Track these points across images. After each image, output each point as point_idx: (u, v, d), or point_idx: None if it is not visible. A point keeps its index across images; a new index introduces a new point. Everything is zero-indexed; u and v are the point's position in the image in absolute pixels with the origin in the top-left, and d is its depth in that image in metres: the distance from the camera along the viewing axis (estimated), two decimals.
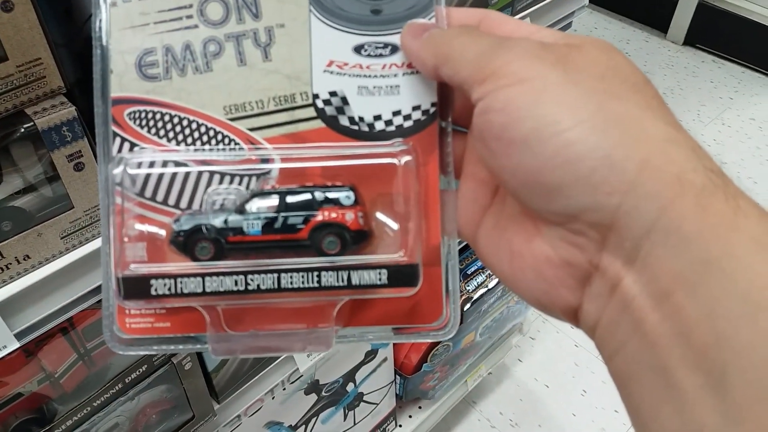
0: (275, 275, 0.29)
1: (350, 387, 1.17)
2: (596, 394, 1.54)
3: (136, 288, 0.30)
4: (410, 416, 1.37)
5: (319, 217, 0.30)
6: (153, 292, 0.29)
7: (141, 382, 0.74)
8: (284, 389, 1.01)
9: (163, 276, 0.29)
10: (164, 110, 0.31)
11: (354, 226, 0.30)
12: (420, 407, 1.38)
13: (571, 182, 0.24)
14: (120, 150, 0.31)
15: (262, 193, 0.30)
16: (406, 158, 0.31)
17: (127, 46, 0.32)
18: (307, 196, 0.30)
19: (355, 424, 1.25)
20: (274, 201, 0.30)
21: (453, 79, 0.29)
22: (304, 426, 1.13)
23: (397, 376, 1.26)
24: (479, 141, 0.28)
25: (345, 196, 0.31)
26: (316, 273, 0.30)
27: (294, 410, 1.08)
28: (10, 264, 0.54)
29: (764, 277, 0.21)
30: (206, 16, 0.32)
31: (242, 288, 0.29)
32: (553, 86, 0.25)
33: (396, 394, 1.30)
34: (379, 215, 0.31)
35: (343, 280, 0.30)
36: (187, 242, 0.30)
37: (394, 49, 0.32)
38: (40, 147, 0.52)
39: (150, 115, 0.31)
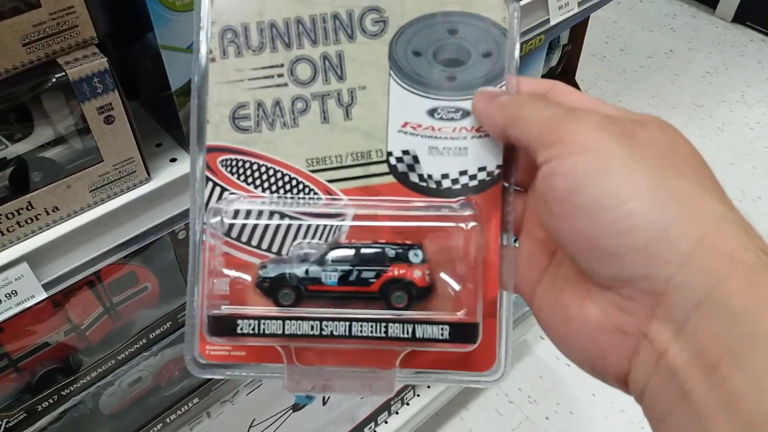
0: (347, 323, 0.32)
1: None
2: None
3: (223, 326, 0.33)
4: (428, 386, 1.37)
5: (390, 273, 0.33)
6: (238, 331, 0.32)
7: (165, 338, 0.75)
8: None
9: (248, 317, 0.33)
10: (253, 159, 0.35)
11: (421, 283, 0.33)
12: None
13: (628, 251, 0.26)
14: (212, 193, 0.35)
15: (339, 247, 0.33)
16: (472, 224, 0.33)
17: (223, 99, 0.35)
18: (379, 253, 0.33)
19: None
20: (349, 255, 0.33)
21: (520, 140, 0.31)
22: None
23: None
24: (541, 202, 0.29)
25: (413, 254, 0.33)
26: (383, 324, 0.33)
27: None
28: (39, 215, 0.54)
29: None
30: (296, 75, 0.35)
31: (317, 333, 0.32)
32: (617, 158, 0.27)
33: None
34: (444, 276, 0.34)
35: (408, 333, 0.33)
36: (271, 288, 0.33)
37: (465, 113, 0.34)
38: (71, 98, 0.51)
39: (240, 164, 0.35)
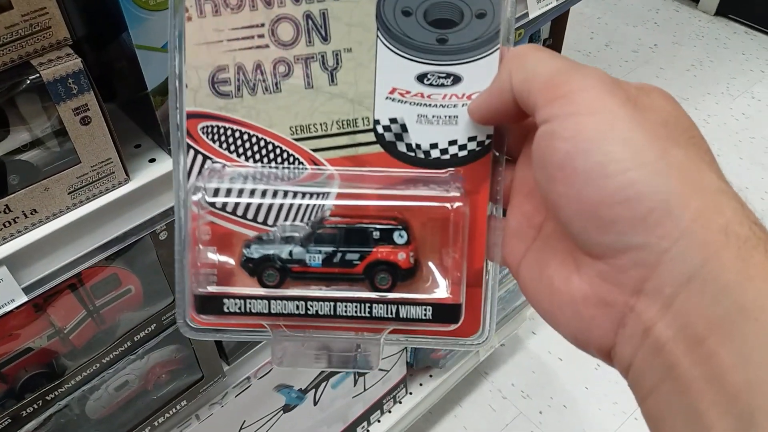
0: (332, 304, 0.33)
1: None
2: (609, 368, 1.52)
3: (209, 305, 0.33)
4: (421, 384, 1.37)
5: (374, 255, 0.33)
6: (225, 310, 0.33)
7: (150, 341, 0.74)
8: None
9: (234, 297, 0.33)
10: (235, 127, 0.33)
11: (405, 265, 0.33)
12: (431, 375, 1.38)
13: (627, 220, 0.25)
14: (194, 161, 0.34)
15: (323, 228, 0.33)
16: (458, 204, 0.33)
17: (202, 62, 0.33)
18: (363, 234, 0.33)
19: (365, 390, 1.25)
20: (333, 236, 0.33)
21: (522, 90, 0.29)
22: (314, 390, 1.13)
23: None
24: (539, 165, 0.28)
25: (398, 235, 0.33)
26: (368, 305, 0.33)
27: (304, 374, 1.09)
28: (17, 218, 0.54)
29: None
30: (277, 36, 0.33)
31: (302, 312, 0.33)
32: (622, 124, 0.26)
33: (407, 362, 1.30)
34: (428, 257, 0.34)
35: (391, 313, 0.33)
36: (255, 269, 0.33)
37: (456, 79, 0.33)
38: (47, 100, 0.51)
39: (222, 131, 0.33)
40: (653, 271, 0.25)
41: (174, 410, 0.84)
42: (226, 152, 0.34)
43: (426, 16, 0.33)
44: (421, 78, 0.33)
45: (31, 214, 0.54)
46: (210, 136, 0.34)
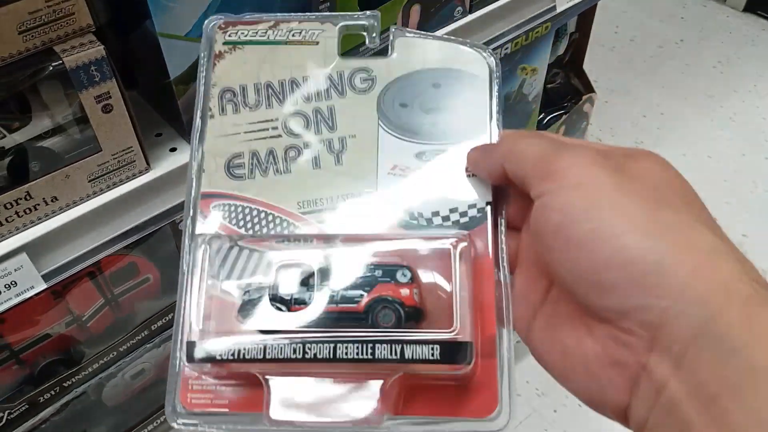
0: (331, 345, 0.31)
1: None
2: None
3: (202, 352, 0.31)
4: None
5: (377, 292, 0.32)
6: (218, 357, 0.31)
7: (167, 330, 0.74)
8: None
9: (228, 341, 0.31)
10: (245, 204, 0.35)
11: (409, 302, 0.32)
12: None
13: (624, 283, 0.26)
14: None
15: (324, 268, 0.33)
16: (463, 245, 0.33)
17: (219, 150, 0.36)
18: (366, 273, 0.33)
19: None
20: (335, 276, 0.32)
21: (516, 174, 0.31)
22: None
23: None
24: (537, 235, 0.30)
25: (401, 273, 0.33)
26: (370, 345, 0.31)
27: None
28: (38, 205, 0.54)
29: None
30: (289, 128, 0.37)
31: (300, 356, 0.31)
32: (609, 192, 0.27)
33: None
34: (433, 296, 0.33)
35: (395, 354, 0.31)
36: (254, 310, 0.32)
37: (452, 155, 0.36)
38: (69, 87, 0.51)
39: (232, 208, 0.35)
40: (659, 330, 0.25)
41: None
42: (234, 227, 0.35)
43: (421, 106, 0.37)
44: (419, 155, 0.36)
45: (52, 201, 0.54)
46: (220, 213, 0.35)
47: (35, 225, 0.54)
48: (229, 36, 0.38)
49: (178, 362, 0.32)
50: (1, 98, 0.50)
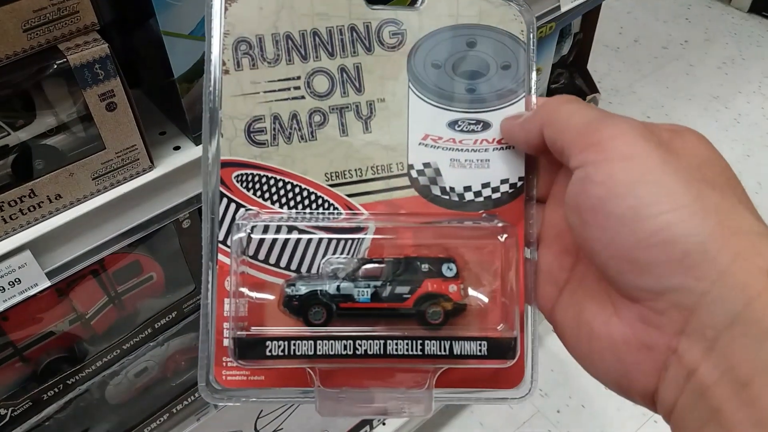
0: (382, 342, 0.31)
1: None
2: None
3: (251, 349, 0.31)
4: None
5: (424, 288, 0.32)
6: (268, 353, 0.31)
7: (171, 328, 0.75)
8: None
9: (278, 338, 0.31)
10: (270, 174, 0.33)
11: (456, 298, 0.32)
12: None
13: (664, 262, 0.25)
14: (227, 209, 0.33)
15: (371, 262, 0.32)
16: (506, 235, 0.33)
17: (238, 112, 0.33)
18: (411, 267, 0.32)
19: None
20: (381, 270, 0.32)
21: (555, 142, 0.30)
22: None
23: None
24: (573, 209, 0.28)
25: (447, 267, 0.32)
26: (420, 341, 0.31)
27: None
28: (42, 203, 0.54)
29: None
30: (313, 88, 0.34)
31: (350, 352, 0.31)
32: (655, 168, 0.26)
33: None
34: (479, 290, 0.33)
35: (445, 350, 0.31)
36: (301, 307, 0.32)
37: (486, 125, 0.34)
38: (73, 85, 0.51)
39: (257, 179, 0.33)
40: (694, 313, 0.25)
41: (192, 398, 0.84)
42: (260, 200, 0.33)
43: (454, 68, 0.34)
44: (452, 125, 0.34)
45: (56, 199, 0.54)
46: (244, 184, 0.33)
47: (39, 222, 0.54)
48: None
49: (211, 337, 0.32)
50: (6, 96, 0.50)
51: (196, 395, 0.85)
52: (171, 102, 0.59)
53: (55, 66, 0.49)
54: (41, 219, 0.55)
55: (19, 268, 0.54)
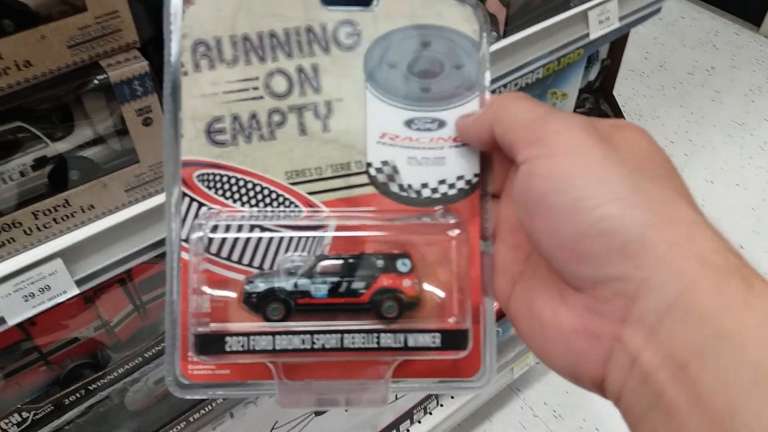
0: (339, 336, 0.32)
1: None
2: None
3: (210, 344, 0.32)
4: (452, 397, 1.36)
5: (379, 283, 0.33)
6: (227, 349, 0.32)
7: None
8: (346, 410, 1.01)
9: (237, 334, 0.32)
10: (231, 174, 0.34)
11: (410, 292, 0.33)
12: None
13: (604, 252, 0.26)
14: (189, 209, 0.34)
15: (327, 259, 0.33)
16: (457, 231, 0.34)
17: (198, 113, 0.34)
18: (367, 263, 0.33)
19: (396, 398, 1.25)
20: (338, 266, 0.33)
21: (504, 139, 0.31)
22: None
23: None
24: (519, 202, 0.30)
25: (401, 263, 0.34)
26: (375, 335, 0.32)
27: None
28: (75, 212, 0.55)
29: None
30: (271, 88, 0.34)
31: (309, 347, 0.32)
32: (595, 162, 0.27)
33: None
34: (432, 284, 0.34)
35: (400, 342, 0.33)
36: (260, 303, 0.32)
37: (441, 123, 0.35)
38: (112, 100, 0.52)
39: (218, 178, 0.34)
40: (635, 300, 0.26)
41: (209, 407, 0.85)
42: (222, 198, 0.34)
43: (410, 68, 0.35)
44: (408, 123, 0.35)
45: (89, 209, 0.56)
46: (206, 183, 0.34)
47: (71, 231, 0.56)
48: None
49: (176, 333, 0.32)
50: (48, 109, 0.51)
51: (213, 405, 0.86)
52: None
53: (96, 81, 0.51)
54: (73, 228, 0.56)
55: (50, 275, 0.56)
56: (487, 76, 0.35)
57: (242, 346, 0.32)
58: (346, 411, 1.15)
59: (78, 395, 0.69)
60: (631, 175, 0.27)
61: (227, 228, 0.33)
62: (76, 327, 0.66)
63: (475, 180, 0.35)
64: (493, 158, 0.35)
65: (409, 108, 0.35)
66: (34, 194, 0.53)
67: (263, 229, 0.34)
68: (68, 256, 0.56)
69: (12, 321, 0.54)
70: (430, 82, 0.35)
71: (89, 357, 0.69)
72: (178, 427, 0.84)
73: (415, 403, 1.29)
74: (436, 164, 0.35)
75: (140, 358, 0.72)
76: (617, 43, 1.07)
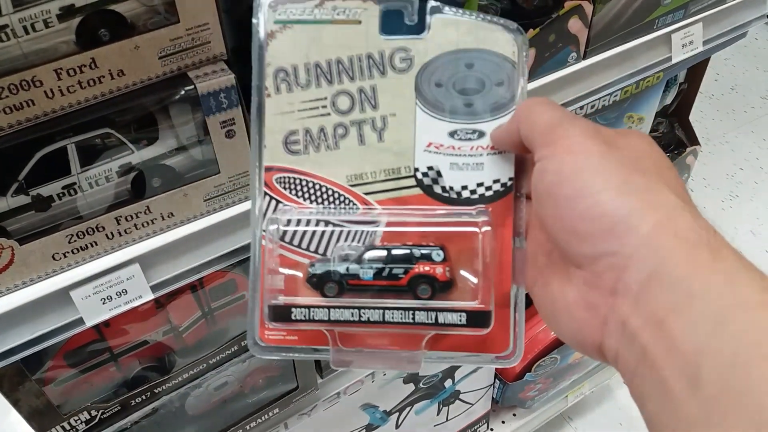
0: (381, 311, 0.39)
1: (448, 383, 1.16)
2: None
3: (280, 314, 0.39)
4: (503, 422, 1.34)
5: (416, 269, 0.39)
6: (293, 318, 0.39)
7: None
8: (384, 374, 1.01)
9: (300, 306, 0.39)
10: (302, 177, 0.41)
11: (442, 278, 0.39)
12: (515, 414, 1.35)
13: (598, 232, 0.32)
14: (269, 205, 0.41)
15: (374, 248, 0.40)
16: (486, 228, 0.39)
17: (277, 128, 0.41)
18: (407, 253, 0.39)
19: (447, 420, 1.23)
20: (382, 255, 0.39)
21: (527, 138, 0.36)
22: (398, 413, 1.12)
23: (497, 381, 1.23)
24: (535, 194, 0.35)
25: (436, 253, 0.39)
26: (411, 312, 0.39)
27: (391, 396, 1.08)
28: (155, 219, 0.56)
29: (731, 300, 0.28)
30: (337, 106, 0.41)
31: (357, 319, 0.39)
32: (595, 160, 0.33)
33: (492, 397, 1.27)
34: (462, 272, 0.40)
35: (431, 319, 0.39)
36: (319, 282, 0.39)
37: (481, 134, 0.40)
38: (197, 111, 0.53)
39: (292, 181, 0.41)
40: (623, 272, 0.31)
41: (266, 416, 0.86)
42: (294, 197, 0.41)
43: (455, 86, 0.40)
44: (452, 134, 0.40)
45: (168, 217, 0.57)
46: (282, 185, 0.41)
47: (150, 238, 0.57)
48: (279, 15, 0.40)
49: (256, 305, 0.39)
50: (135, 118, 0.53)
51: (270, 414, 0.86)
52: None
53: (183, 92, 0.52)
54: (152, 235, 0.57)
55: (127, 279, 0.57)
56: (525, 91, 0.40)
57: (304, 316, 0.39)
58: (397, 428, 1.14)
59: (144, 397, 0.70)
60: (624, 169, 0.32)
61: (298, 221, 0.40)
62: (147, 331, 0.67)
63: (509, 183, 0.40)
64: (527, 163, 0.39)
65: (453, 121, 0.40)
66: (118, 200, 0.54)
67: (327, 222, 0.40)
68: (146, 261, 0.57)
69: (90, 322, 0.56)
70: (473, 98, 0.40)
71: (156, 360, 0.70)
72: None
73: (465, 425, 1.27)
74: (475, 169, 0.40)
75: (204, 365, 0.73)
76: (696, 67, 1.04)
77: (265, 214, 0.41)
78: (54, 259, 0.53)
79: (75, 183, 0.52)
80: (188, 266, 0.59)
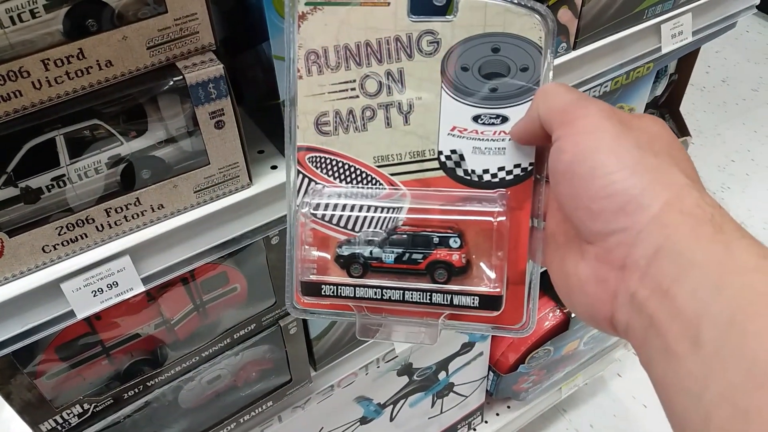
0: (401, 292, 0.42)
1: (442, 375, 1.16)
2: None
3: (311, 289, 0.43)
4: (497, 414, 1.34)
5: (434, 255, 0.42)
6: (322, 293, 0.43)
7: (247, 340, 0.76)
8: (378, 367, 1.01)
9: (329, 284, 0.43)
10: (332, 157, 0.43)
11: (458, 264, 0.42)
12: (509, 407, 1.35)
13: (610, 210, 0.33)
14: (302, 183, 0.43)
15: (396, 234, 0.42)
16: (501, 219, 0.41)
17: (309, 109, 0.42)
18: (426, 239, 0.42)
19: (441, 412, 1.23)
20: (403, 240, 0.42)
21: (545, 120, 0.37)
22: (392, 406, 1.13)
23: (491, 373, 1.23)
24: (552, 173, 0.36)
25: (453, 240, 0.41)
26: (428, 294, 0.42)
27: (385, 389, 1.09)
28: (145, 211, 0.56)
29: (729, 266, 0.29)
30: (365, 89, 0.42)
31: (379, 297, 0.42)
32: (609, 140, 0.34)
33: (487, 389, 1.28)
34: (477, 258, 0.42)
35: (447, 301, 0.42)
36: (345, 263, 0.43)
37: (504, 119, 0.41)
38: (186, 101, 0.53)
39: (323, 160, 0.43)
40: (632, 248, 0.32)
41: (260, 409, 0.85)
42: (325, 176, 0.43)
43: (480, 70, 0.40)
44: (475, 118, 0.41)
45: (158, 208, 0.57)
46: (314, 163, 0.43)
47: (141, 230, 0.57)
48: None
49: (293, 274, 0.43)
50: (124, 109, 0.52)
51: (264, 407, 0.86)
52: (273, 123, 0.60)
53: (172, 82, 0.52)
54: (143, 226, 0.57)
55: (118, 272, 0.56)
56: (550, 77, 0.40)
57: (332, 292, 0.42)
58: (391, 421, 1.14)
59: (136, 390, 0.70)
60: (637, 150, 0.33)
61: (329, 198, 0.43)
62: (138, 323, 0.66)
63: (530, 168, 0.41)
64: (546, 148, 0.39)
65: (478, 105, 0.41)
66: (107, 192, 0.54)
67: (353, 205, 0.42)
68: (136, 253, 0.57)
69: (81, 315, 0.56)
70: (498, 83, 0.40)
71: (148, 353, 0.69)
72: (228, 428, 0.84)
73: (460, 417, 1.28)
74: (497, 154, 0.41)
75: (197, 357, 0.73)
76: (686, 58, 1.04)
77: (298, 192, 0.43)
78: (44, 251, 0.53)
79: (64, 175, 0.52)
80: (179, 258, 0.59)
